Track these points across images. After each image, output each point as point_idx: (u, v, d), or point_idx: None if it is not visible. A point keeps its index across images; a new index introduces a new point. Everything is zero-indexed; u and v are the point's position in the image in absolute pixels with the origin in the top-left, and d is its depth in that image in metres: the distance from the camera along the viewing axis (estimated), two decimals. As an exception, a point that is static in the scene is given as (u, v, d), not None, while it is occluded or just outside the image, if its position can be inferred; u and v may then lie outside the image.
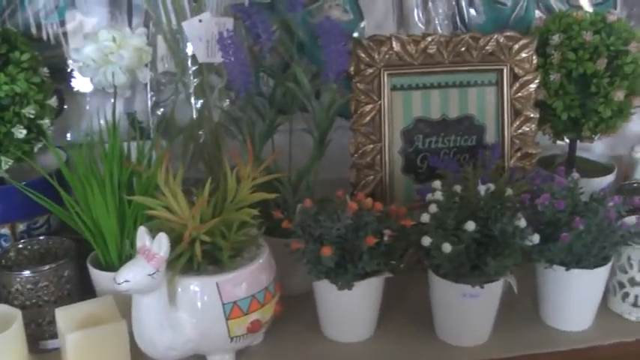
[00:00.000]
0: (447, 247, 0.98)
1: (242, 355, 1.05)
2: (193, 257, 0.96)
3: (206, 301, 0.96)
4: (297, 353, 1.07)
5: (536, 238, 1.01)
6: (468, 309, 1.04)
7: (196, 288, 0.96)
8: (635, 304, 1.13)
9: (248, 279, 0.98)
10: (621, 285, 1.14)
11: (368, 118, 1.17)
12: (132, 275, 0.90)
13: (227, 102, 1.15)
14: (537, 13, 1.44)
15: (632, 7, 1.51)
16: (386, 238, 1.01)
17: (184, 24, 1.08)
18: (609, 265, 1.09)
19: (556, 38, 1.25)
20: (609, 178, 1.35)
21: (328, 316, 1.08)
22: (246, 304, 0.98)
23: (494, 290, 1.04)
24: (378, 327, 1.11)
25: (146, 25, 1.22)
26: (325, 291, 1.05)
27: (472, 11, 1.41)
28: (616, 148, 1.53)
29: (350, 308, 1.05)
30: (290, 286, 1.14)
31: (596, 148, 1.52)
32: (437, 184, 1.06)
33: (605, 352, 1.10)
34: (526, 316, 1.15)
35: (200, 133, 1.14)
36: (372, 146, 1.18)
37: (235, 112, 1.13)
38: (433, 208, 1.03)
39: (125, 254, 1.09)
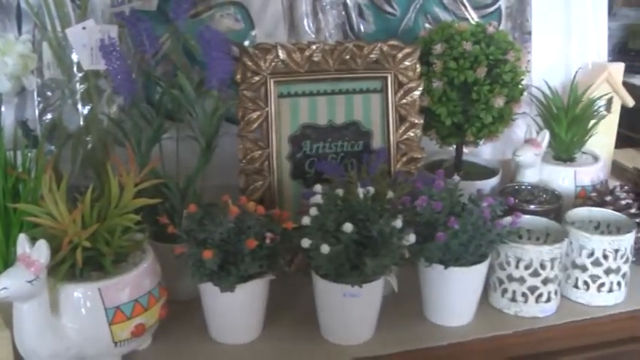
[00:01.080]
0: (325, 249, 1.01)
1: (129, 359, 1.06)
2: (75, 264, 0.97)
3: (89, 307, 0.97)
4: (185, 356, 1.08)
5: (412, 238, 1.05)
6: (349, 308, 1.07)
7: (78, 294, 0.97)
8: (513, 299, 1.19)
9: (131, 284, 0.99)
10: (500, 281, 1.19)
11: (255, 125, 1.20)
12: (10, 282, 0.90)
13: (115, 108, 1.15)
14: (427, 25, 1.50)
15: (517, 19, 1.58)
16: (268, 241, 1.04)
17: (68, 31, 1.09)
18: (486, 262, 1.14)
19: (438, 48, 1.30)
20: (493, 181, 1.41)
21: (214, 319, 1.10)
22: (129, 308, 0.99)
23: (374, 289, 1.08)
24: (265, 328, 1.13)
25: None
26: (210, 294, 1.06)
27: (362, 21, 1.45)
28: (505, 153, 1.60)
29: (235, 310, 1.07)
30: (179, 291, 1.16)
31: (485, 153, 1.58)
32: (318, 187, 1.09)
33: (484, 345, 1.15)
34: (410, 313, 1.19)
35: (88, 139, 1.14)
36: (260, 152, 1.21)
37: (122, 118, 1.14)
38: (314, 210, 1.06)
39: (11, 262, 1.08)
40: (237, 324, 1.09)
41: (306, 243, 1.02)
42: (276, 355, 1.08)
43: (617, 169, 1.67)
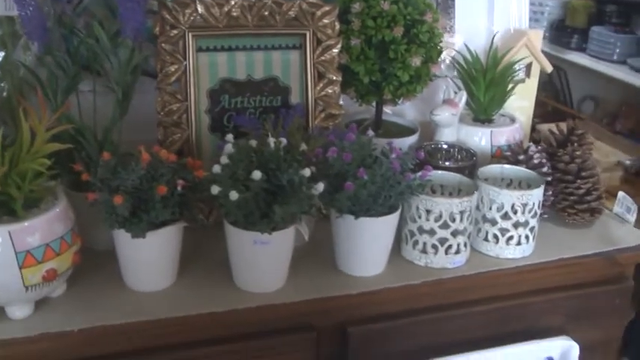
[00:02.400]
0: (234, 195, 1.03)
1: (43, 306, 1.07)
2: (-14, 208, 0.98)
3: (-1, 251, 0.98)
4: (98, 303, 1.09)
5: (320, 187, 1.08)
6: (260, 256, 1.10)
7: (-12, 238, 0.98)
8: (423, 251, 1.23)
9: (42, 228, 1.00)
10: (412, 233, 1.23)
11: (174, 78, 1.21)
12: None
13: (30, 56, 1.16)
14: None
15: (442, -18, 1.62)
16: (179, 188, 1.06)
17: (-18, -22, 1.09)
18: (396, 214, 1.18)
19: (357, 6, 1.33)
20: (411, 139, 1.44)
21: (128, 267, 1.11)
22: (40, 252, 1.00)
23: (284, 238, 1.10)
24: (179, 277, 1.15)
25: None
26: (123, 241, 1.08)
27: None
28: (427, 115, 1.63)
29: (148, 258, 1.09)
30: (97, 241, 1.17)
31: (408, 115, 1.62)
32: (230, 136, 1.11)
33: (394, 294, 1.19)
34: (323, 264, 1.22)
35: (2, 85, 1.15)
36: (178, 105, 1.22)
37: (38, 66, 1.14)
38: (224, 159, 1.08)
39: None
40: (151, 271, 1.11)
41: (215, 190, 1.05)
42: (189, 302, 1.10)
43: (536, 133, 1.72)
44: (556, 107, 3.42)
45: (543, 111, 3.23)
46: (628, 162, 2.48)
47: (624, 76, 3.07)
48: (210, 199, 1.06)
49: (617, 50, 3.14)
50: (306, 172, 1.07)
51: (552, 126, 1.68)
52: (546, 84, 3.56)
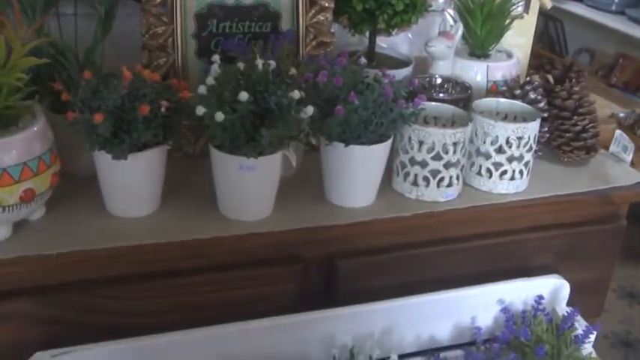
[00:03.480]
0: (219, 116, 0.99)
1: (21, 229, 1.04)
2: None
3: (-25, 170, 0.95)
4: (79, 228, 1.06)
5: (309, 110, 1.04)
6: (246, 182, 1.07)
7: (-36, 156, 0.94)
8: (414, 183, 1.20)
9: (19, 146, 0.97)
10: (403, 165, 1.20)
11: (159, 0, 1.16)
12: None
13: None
14: None
15: None
16: (163, 110, 1.02)
17: None
18: (388, 143, 1.14)
19: None
20: (405, 71, 1.40)
21: (109, 191, 1.08)
22: (17, 171, 0.97)
23: (271, 164, 1.07)
24: (163, 204, 1.12)
25: None
26: (105, 164, 1.04)
27: None
28: (423, 50, 1.59)
29: (129, 181, 1.06)
30: (79, 167, 1.14)
31: (403, 49, 1.57)
32: (216, 57, 1.07)
33: (383, 226, 1.16)
34: (312, 195, 1.19)
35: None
36: (163, 28, 1.18)
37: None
38: (210, 80, 1.04)
39: None
40: (133, 197, 1.08)
41: (200, 111, 1.01)
42: (172, 229, 1.07)
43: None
44: (551, 59, 3.38)
45: (538, 63, 3.20)
46: (622, 115, 2.46)
47: (622, 26, 3.03)
48: (196, 126, 1.03)
49: (616, 0, 3.09)
50: (295, 94, 1.03)
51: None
52: (542, 35, 3.51)
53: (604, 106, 2.56)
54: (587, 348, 1.24)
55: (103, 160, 1.04)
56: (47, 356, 0.99)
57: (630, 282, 2.84)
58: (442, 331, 1.23)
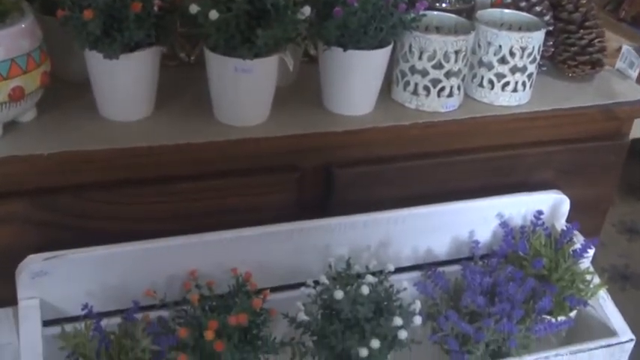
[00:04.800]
0: (213, 14, 0.96)
1: (12, 130, 1.02)
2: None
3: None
4: (71, 130, 1.04)
5: (307, 11, 1.01)
6: (241, 85, 1.04)
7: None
8: (414, 93, 1.17)
9: (6, 42, 0.94)
10: (403, 74, 1.17)
11: None
12: None
13: None
14: None
15: None
16: (155, 9, 0.99)
17: None
18: (388, 48, 1.11)
19: None
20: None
21: (102, 94, 1.05)
22: (5, 68, 0.94)
23: (267, 66, 1.04)
24: (157, 108, 1.10)
25: None
26: (97, 65, 1.01)
27: None
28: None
29: (122, 84, 1.03)
30: (71, 72, 1.12)
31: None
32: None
33: (382, 134, 1.13)
34: (309, 103, 1.16)
35: None
36: None
37: None
38: (204, -23, 1.00)
39: None
40: (126, 99, 1.05)
41: (194, 9, 0.98)
42: (166, 133, 1.05)
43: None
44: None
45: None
46: (630, 48, 2.40)
47: (631, -41, 2.95)
48: (191, 32, 0.99)
49: None
50: (292, -6, 0.99)
51: None
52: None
53: (612, 40, 2.51)
54: (585, 263, 1.23)
55: (94, 61, 1.01)
56: (40, 259, 0.98)
57: (630, 217, 2.83)
58: (440, 245, 1.22)
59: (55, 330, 0.98)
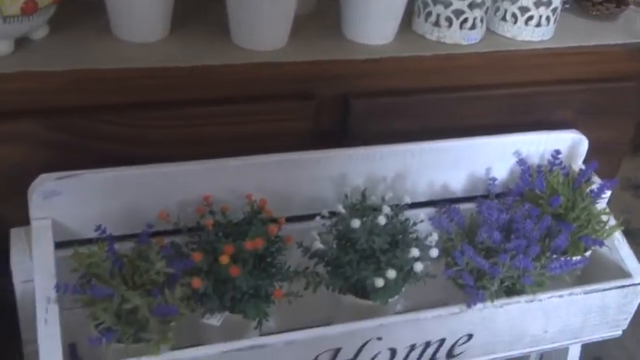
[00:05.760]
0: None
1: (24, 46, 0.99)
2: None
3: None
4: (84, 49, 1.01)
5: None
6: (261, 6, 1.01)
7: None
8: (436, 24, 1.14)
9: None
10: (425, 4, 1.14)
11: None
12: None
13: None
14: None
15: None
16: None
17: None
18: (411, -24, 1.08)
19: None
20: None
21: (116, 13, 1.02)
22: (18, -20, 0.91)
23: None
24: (173, 32, 1.07)
25: None
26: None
27: None
28: None
29: (138, 2, 1.00)
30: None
31: None
32: None
33: (402, 64, 1.11)
34: (329, 31, 1.14)
35: None
36: None
37: None
38: None
39: None
40: (141, 19, 1.02)
41: None
42: (182, 55, 1.02)
43: None
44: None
45: None
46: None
47: None
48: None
49: None
50: None
51: None
52: None
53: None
54: (602, 203, 1.22)
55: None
56: (52, 178, 0.96)
57: (634, 174, 2.82)
58: (456, 180, 1.20)
59: (67, 252, 0.96)
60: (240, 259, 0.95)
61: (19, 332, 1.01)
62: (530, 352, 1.18)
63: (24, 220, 0.99)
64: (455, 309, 1.04)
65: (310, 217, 1.08)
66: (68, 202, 0.98)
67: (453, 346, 1.08)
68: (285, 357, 0.95)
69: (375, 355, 1.01)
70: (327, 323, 1.02)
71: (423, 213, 1.12)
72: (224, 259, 0.92)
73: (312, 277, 1.02)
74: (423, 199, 1.17)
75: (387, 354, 1.02)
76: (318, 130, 1.11)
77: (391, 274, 0.98)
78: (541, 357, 1.38)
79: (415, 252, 1.00)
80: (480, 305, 1.05)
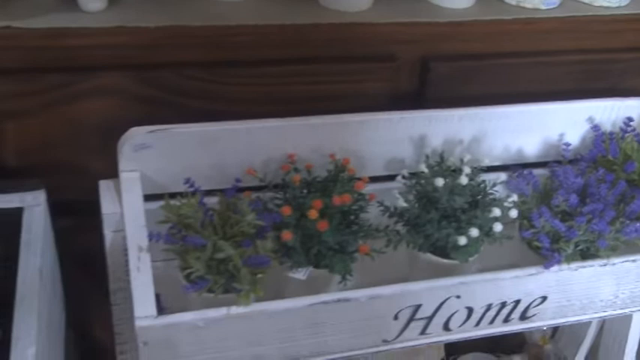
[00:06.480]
0: None
1: (117, 3, 1.02)
2: None
3: None
4: (177, 6, 1.04)
5: None
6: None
7: None
8: (517, -10, 1.15)
9: None
10: (507, -32, 1.14)
11: None
12: None
13: None
14: None
15: None
16: None
17: None
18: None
19: None
20: None
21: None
22: None
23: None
24: (259, -11, 1.09)
25: None
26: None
27: None
28: None
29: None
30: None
31: None
32: None
33: (483, 28, 1.12)
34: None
35: None
36: None
37: None
38: None
39: None
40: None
41: None
42: (270, 13, 1.04)
43: None
44: None
45: None
46: None
47: None
48: None
49: None
50: None
51: None
52: None
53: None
54: (676, 171, 1.21)
55: None
56: (143, 131, 0.98)
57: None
58: (530, 145, 1.20)
59: (153, 205, 0.98)
60: (327, 214, 0.96)
61: (106, 282, 1.04)
62: (598, 317, 1.19)
63: (108, 174, 1.02)
64: (532, 270, 1.05)
65: (387, 177, 1.10)
66: (156, 156, 1.00)
67: (527, 308, 1.09)
68: (368, 311, 0.97)
69: (453, 314, 1.03)
70: (401, 281, 1.04)
71: (494, 178, 1.14)
72: (312, 214, 0.94)
73: (393, 235, 1.03)
74: (497, 163, 1.18)
75: (464, 313, 1.04)
76: (396, 91, 1.12)
77: (474, 232, 0.99)
78: (602, 323, 1.39)
79: (497, 212, 1.01)
80: (555, 267, 1.06)
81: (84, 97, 1.00)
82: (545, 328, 1.47)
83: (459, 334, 1.05)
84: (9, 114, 0.98)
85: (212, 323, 0.89)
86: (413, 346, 1.04)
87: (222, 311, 0.89)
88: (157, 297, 1.04)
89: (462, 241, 0.99)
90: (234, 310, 0.89)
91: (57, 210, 1.04)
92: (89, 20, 0.96)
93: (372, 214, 1.06)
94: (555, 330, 1.54)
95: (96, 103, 1.00)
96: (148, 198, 1.01)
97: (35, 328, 0.83)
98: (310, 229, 0.95)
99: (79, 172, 1.05)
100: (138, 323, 0.85)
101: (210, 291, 0.91)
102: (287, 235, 0.93)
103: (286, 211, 0.95)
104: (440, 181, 1.01)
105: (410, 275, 1.09)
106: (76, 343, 1.17)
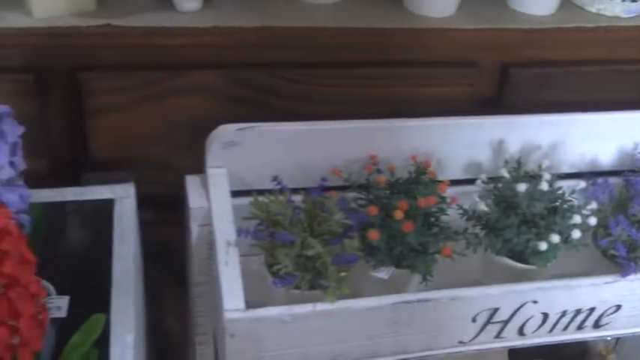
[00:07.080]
0: None
1: (211, 3, 1.04)
2: None
3: None
4: (270, 6, 1.06)
5: None
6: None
7: None
8: (597, -5, 1.15)
9: None
10: (586, -17, 1.15)
11: None
12: None
13: None
14: None
15: None
16: None
17: None
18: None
19: None
20: None
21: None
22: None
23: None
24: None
25: None
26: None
27: None
28: None
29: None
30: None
31: None
32: None
33: (563, 35, 1.13)
34: (495, 1, 1.16)
35: None
36: None
37: None
38: None
39: None
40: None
41: None
42: (356, 17, 1.06)
43: None
44: None
45: None
46: None
47: None
48: None
49: None
50: None
51: None
52: None
53: None
54: None
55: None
56: (232, 129, 1.00)
57: None
58: (605, 154, 1.21)
59: (239, 201, 1.01)
60: (411, 215, 0.98)
61: (181, 274, 1.07)
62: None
63: (192, 170, 1.04)
64: (608, 278, 1.05)
65: (465, 181, 1.11)
66: (244, 153, 1.02)
67: (600, 316, 1.09)
68: (448, 312, 0.98)
69: (528, 319, 1.04)
70: (473, 284, 1.05)
71: (569, 185, 1.14)
72: (398, 214, 0.96)
73: (472, 238, 1.05)
74: (574, 170, 1.19)
75: (540, 318, 1.05)
76: (475, 96, 1.13)
77: (555, 238, 1.00)
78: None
79: (577, 219, 1.02)
80: (632, 276, 1.06)
81: (175, 95, 1.02)
82: (609, 338, 1.47)
83: (533, 339, 1.06)
84: (103, 109, 1.01)
85: (297, 319, 0.91)
86: (487, 348, 1.05)
87: (308, 307, 0.91)
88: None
89: (543, 246, 1.00)
90: (320, 306, 0.91)
91: (140, 203, 1.07)
92: (184, 20, 0.99)
93: (449, 217, 1.08)
94: (617, 340, 1.54)
95: (186, 100, 1.02)
96: (232, 194, 1.04)
97: (133, 316, 0.86)
98: (395, 230, 0.97)
99: (165, 167, 1.08)
100: (227, 316, 0.88)
101: (296, 287, 0.93)
102: (374, 235, 0.95)
103: (373, 210, 0.96)
104: (522, 187, 1.02)
105: (483, 278, 1.10)
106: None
